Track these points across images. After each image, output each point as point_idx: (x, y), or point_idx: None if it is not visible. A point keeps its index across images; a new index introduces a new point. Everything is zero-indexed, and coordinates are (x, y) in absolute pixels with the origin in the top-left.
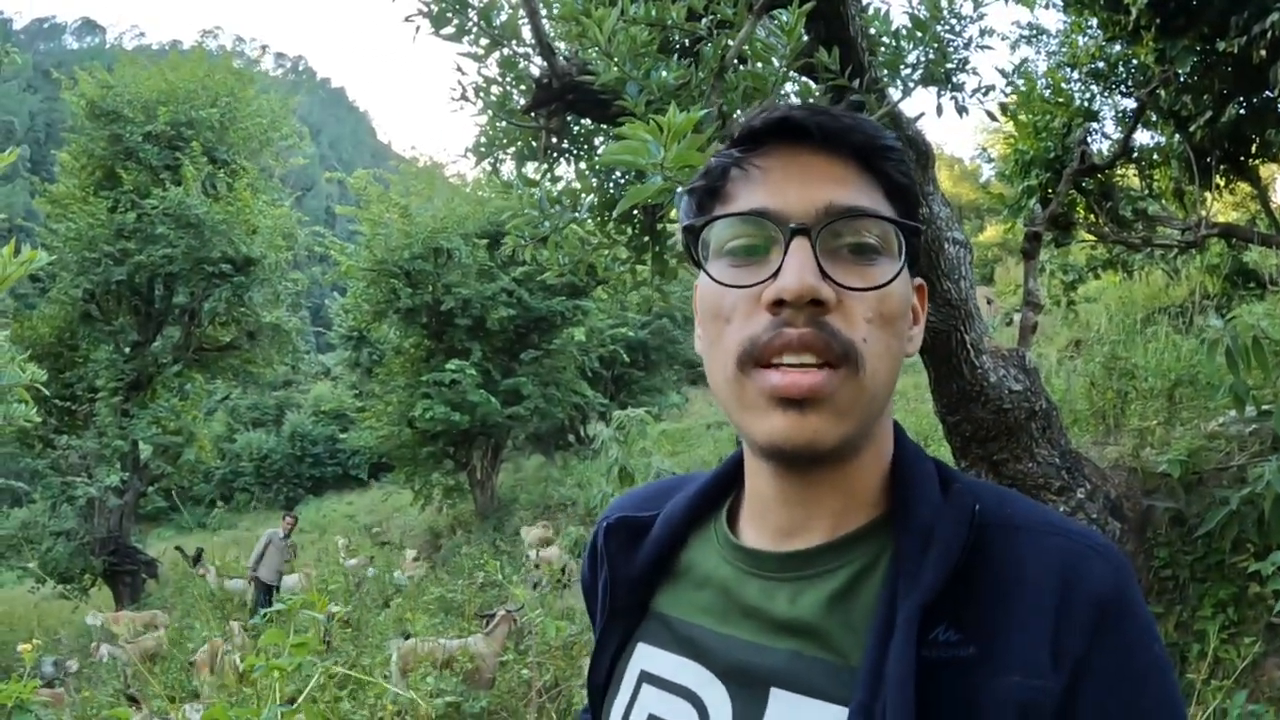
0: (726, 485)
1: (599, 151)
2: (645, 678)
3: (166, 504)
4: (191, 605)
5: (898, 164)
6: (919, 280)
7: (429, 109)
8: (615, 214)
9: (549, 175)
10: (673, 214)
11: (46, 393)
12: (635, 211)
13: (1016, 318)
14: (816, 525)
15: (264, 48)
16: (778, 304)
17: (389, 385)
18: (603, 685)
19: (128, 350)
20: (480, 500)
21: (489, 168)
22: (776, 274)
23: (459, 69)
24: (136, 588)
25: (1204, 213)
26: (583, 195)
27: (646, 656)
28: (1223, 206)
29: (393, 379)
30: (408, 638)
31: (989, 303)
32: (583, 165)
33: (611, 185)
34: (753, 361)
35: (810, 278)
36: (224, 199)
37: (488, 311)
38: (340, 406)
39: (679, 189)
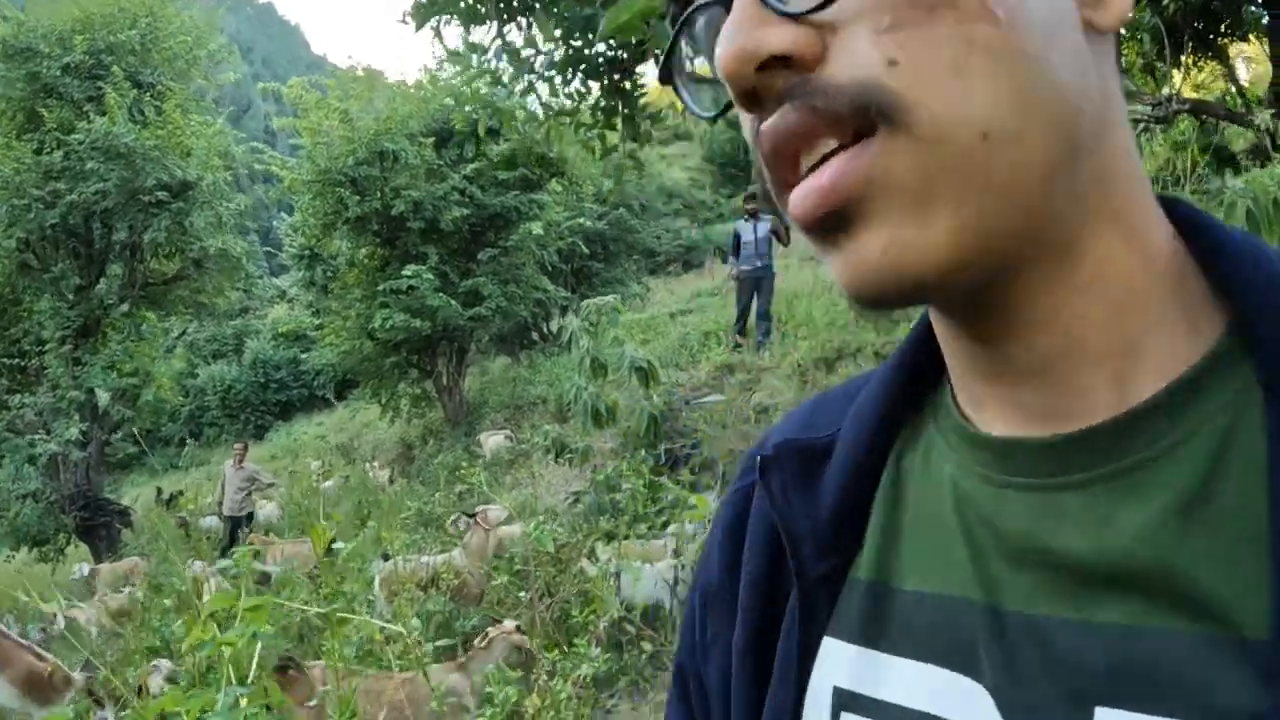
0: (929, 365)
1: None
2: (845, 701)
3: (137, 449)
4: (167, 551)
5: None
6: None
7: (366, 18)
8: (598, 35)
9: (500, 39)
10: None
11: None
12: (602, 67)
13: None
14: (1087, 387)
15: None
16: (747, 100)
17: (345, 299)
18: (753, 707)
19: (71, 296)
20: (449, 407)
21: (432, 30)
22: None
23: None
24: (113, 539)
25: (1173, 88)
26: (544, 46)
27: (843, 662)
28: (1188, 86)
29: (348, 292)
30: (387, 559)
31: None
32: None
33: (576, 35)
34: (777, 192)
35: (744, 32)
36: (153, 124)
37: (440, 213)
38: (299, 327)
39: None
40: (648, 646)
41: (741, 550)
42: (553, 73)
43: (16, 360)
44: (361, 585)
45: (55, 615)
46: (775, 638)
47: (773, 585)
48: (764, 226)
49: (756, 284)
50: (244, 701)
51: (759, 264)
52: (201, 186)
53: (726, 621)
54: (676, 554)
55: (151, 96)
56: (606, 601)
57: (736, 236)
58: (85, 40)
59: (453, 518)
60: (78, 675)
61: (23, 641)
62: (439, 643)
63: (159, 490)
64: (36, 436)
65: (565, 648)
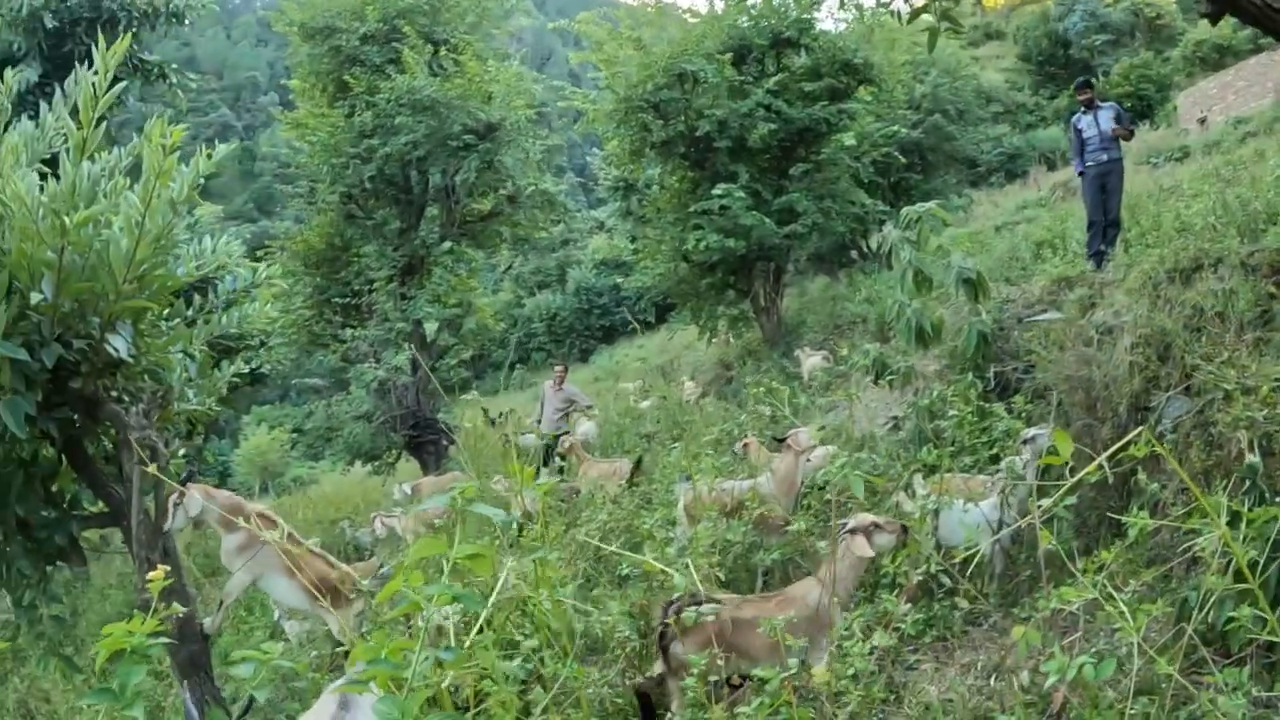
0: None
1: None
2: None
3: (469, 374)
4: (487, 464)
5: None
6: None
7: None
8: None
9: None
10: None
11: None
12: None
13: None
14: None
15: None
16: None
17: (659, 223)
18: None
19: (395, 239)
20: (767, 327)
21: None
22: None
23: None
24: (440, 455)
25: None
26: None
27: None
28: None
29: (661, 216)
30: (689, 480)
31: None
32: None
33: None
34: None
35: None
36: (452, 75)
37: (746, 130)
38: (616, 254)
39: None
40: (964, 603)
41: None
42: None
43: (349, 299)
44: (666, 509)
45: (375, 523)
46: None
47: None
48: (1106, 115)
49: (1104, 179)
50: (438, 671)
51: (1105, 157)
52: (505, 126)
53: None
54: (1004, 494)
55: (447, 50)
56: (922, 546)
57: (1077, 132)
58: (376, 10)
59: (736, 446)
60: (370, 582)
61: (315, 550)
62: (710, 603)
63: (485, 410)
64: (367, 365)
65: (871, 598)
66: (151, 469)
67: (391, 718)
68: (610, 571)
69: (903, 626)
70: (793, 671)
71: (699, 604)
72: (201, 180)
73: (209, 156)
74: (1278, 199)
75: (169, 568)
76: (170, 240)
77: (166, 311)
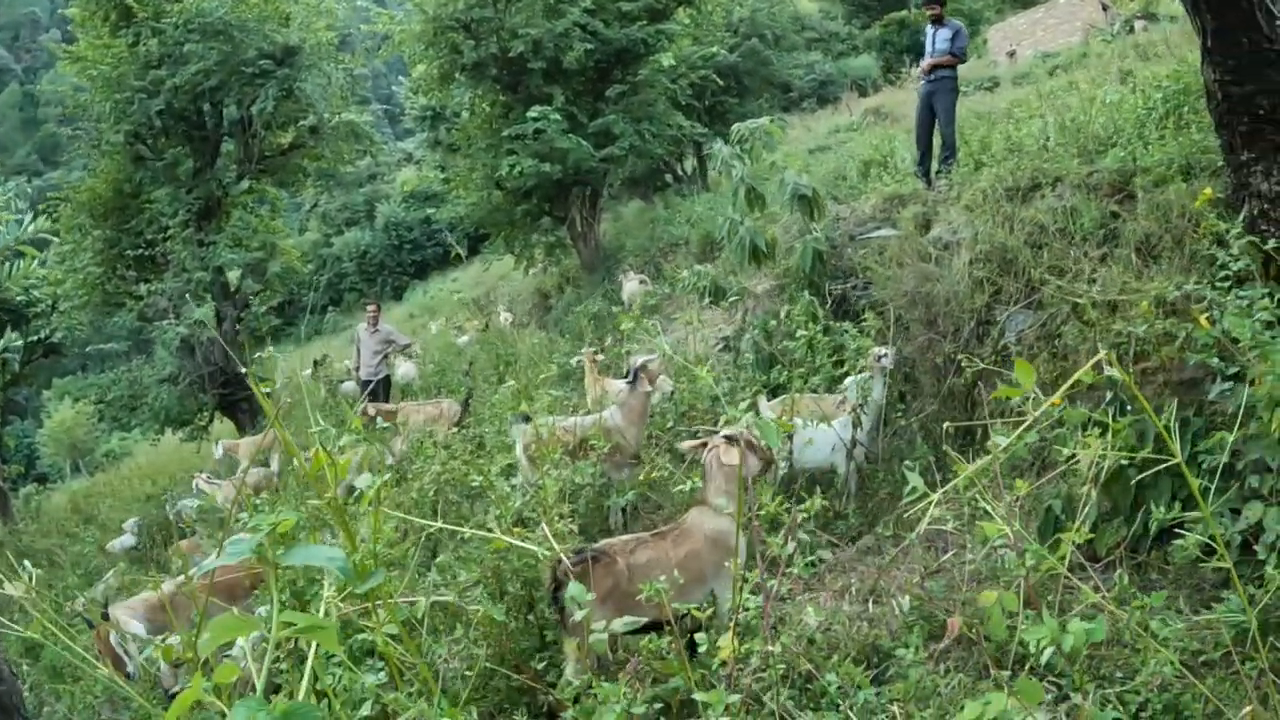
0: None
1: None
2: None
3: (280, 321)
4: (306, 418)
5: None
6: None
7: None
8: None
9: None
10: None
11: None
12: None
13: (1138, 25)
14: None
15: None
16: None
17: (470, 150)
18: None
19: (189, 180)
20: (585, 253)
21: None
22: None
23: None
24: (256, 412)
25: None
26: None
27: None
28: None
29: (473, 143)
30: (528, 420)
31: (1105, 9)
32: None
33: None
34: None
35: None
36: None
37: (562, 51)
38: (426, 185)
39: None
40: (824, 536)
41: None
42: None
43: (143, 250)
44: (503, 454)
45: (194, 485)
46: None
47: None
48: (943, 36)
49: (930, 98)
50: None
51: (931, 76)
52: (305, 50)
53: None
54: (854, 412)
55: None
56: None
57: (922, 44)
58: None
59: (576, 359)
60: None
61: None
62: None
63: (316, 361)
64: (167, 322)
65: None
66: None
67: None
68: (453, 534)
69: (794, 570)
70: (684, 641)
71: (592, 558)
72: None
73: None
74: (1111, 123)
75: None
76: None
77: None
